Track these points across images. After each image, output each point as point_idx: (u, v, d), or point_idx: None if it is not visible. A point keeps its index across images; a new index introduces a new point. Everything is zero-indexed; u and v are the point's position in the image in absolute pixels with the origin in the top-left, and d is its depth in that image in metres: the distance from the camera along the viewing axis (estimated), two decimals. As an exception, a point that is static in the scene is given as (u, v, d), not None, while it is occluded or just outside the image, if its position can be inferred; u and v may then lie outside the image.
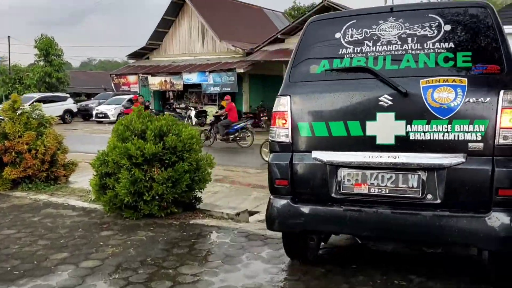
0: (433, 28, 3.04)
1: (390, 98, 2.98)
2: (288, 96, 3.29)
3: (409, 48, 3.05)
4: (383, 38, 3.13)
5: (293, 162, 3.25)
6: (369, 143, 3.04)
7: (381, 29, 3.16)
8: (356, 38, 3.20)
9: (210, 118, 22.09)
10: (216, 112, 19.34)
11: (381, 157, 3.01)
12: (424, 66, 2.99)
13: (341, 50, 3.22)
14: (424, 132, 2.91)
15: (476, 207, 2.85)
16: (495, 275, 3.18)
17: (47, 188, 7.00)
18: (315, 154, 3.19)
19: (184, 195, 5.34)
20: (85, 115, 29.23)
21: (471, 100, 2.83)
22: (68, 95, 28.42)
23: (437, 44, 3.00)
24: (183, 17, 25.04)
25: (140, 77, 23.94)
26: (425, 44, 3.03)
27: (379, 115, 3.01)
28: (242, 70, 20.78)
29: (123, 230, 4.85)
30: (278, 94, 3.36)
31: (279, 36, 21.19)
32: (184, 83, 22.65)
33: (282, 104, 3.30)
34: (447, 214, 2.87)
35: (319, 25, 3.39)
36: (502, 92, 2.78)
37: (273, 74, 22.87)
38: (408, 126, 2.94)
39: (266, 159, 6.50)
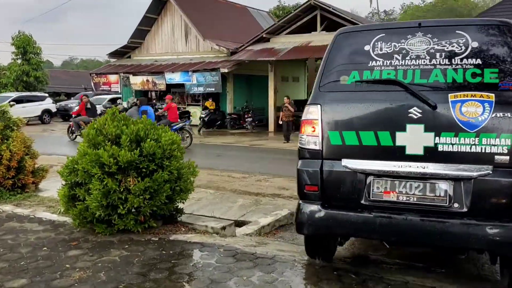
0: (461, 45, 3.16)
1: (420, 110, 3.11)
2: (319, 105, 3.39)
3: (438, 63, 3.18)
4: (411, 52, 3.26)
5: (323, 169, 3.37)
6: (398, 153, 3.18)
7: (409, 44, 3.29)
8: (386, 52, 3.34)
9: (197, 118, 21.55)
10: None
11: (410, 166, 3.16)
12: (452, 81, 3.13)
13: (370, 62, 3.35)
14: (452, 144, 3.06)
15: (501, 216, 2.98)
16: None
17: (13, 197, 6.37)
18: (345, 162, 3.33)
19: (163, 208, 4.80)
20: (64, 115, 28.27)
21: (498, 115, 2.97)
22: (46, 95, 27.48)
23: (464, 60, 3.13)
24: (166, 15, 24.36)
25: (121, 76, 23.19)
26: (453, 60, 3.16)
27: (408, 126, 3.14)
28: (226, 70, 20.23)
29: (94, 248, 4.28)
30: (308, 102, 3.47)
31: (264, 35, 20.70)
32: (166, 83, 21.98)
33: (312, 112, 3.41)
34: (473, 223, 3.00)
35: (348, 37, 3.51)
36: None
37: (258, 74, 22.41)
38: (437, 138, 3.08)
39: None
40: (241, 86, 22.69)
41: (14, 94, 25.49)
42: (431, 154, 3.09)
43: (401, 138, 3.16)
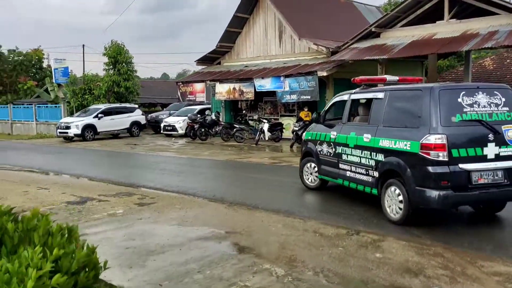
0: (498, 98, 6.36)
1: (493, 135, 6.15)
2: (445, 135, 5.99)
3: (494, 110, 6.29)
4: (480, 103, 6.25)
5: (449, 171, 5.98)
6: (484, 158, 6.12)
7: (478, 98, 6.26)
8: (470, 102, 6.21)
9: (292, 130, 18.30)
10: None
11: (487, 166, 6.13)
12: (501, 118, 6.29)
13: (463, 109, 6.16)
14: (505, 151, 6.23)
15: None
16: None
17: None
18: (461, 165, 6.02)
19: None
20: (155, 127, 26.84)
21: None
22: (136, 106, 26.19)
23: (501, 108, 6.34)
24: (258, 14, 21.50)
25: (207, 85, 20.75)
26: (497, 107, 6.31)
27: (489, 144, 6.14)
28: (324, 73, 16.60)
29: None
30: (436, 132, 6.02)
31: (373, 29, 16.73)
32: (256, 90, 19.00)
33: (441, 139, 5.98)
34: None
35: (446, 92, 6.24)
36: None
37: (365, 77, 18.42)
38: (500, 148, 6.20)
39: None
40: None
41: (103, 106, 24.44)
42: (497, 157, 6.17)
43: (485, 150, 6.13)
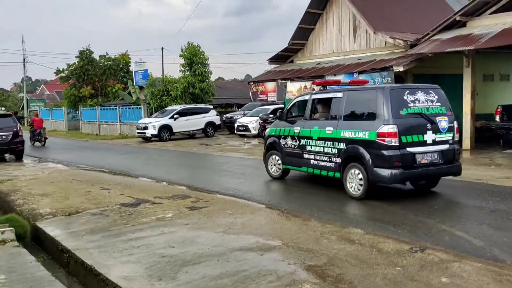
0: (433, 96, 7.92)
1: (430, 124, 7.69)
2: (396, 125, 7.44)
3: (431, 105, 7.83)
4: (420, 100, 7.77)
5: (400, 153, 7.48)
6: (424, 142, 7.66)
7: (418, 96, 7.77)
8: (412, 99, 7.70)
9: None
10: None
11: (428, 148, 7.72)
12: (435, 111, 7.84)
13: (408, 104, 7.64)
14: (439, 137, 7.85)
15: (452, 161, 8.11)
16: None
17: None
18: (408, 149, 7.53)
19: None
20: (230, 127, 26.90)
21: (450, 125, 7.96)
22: (211, 107, 26.43)
23: (435, 105, 7.90)
24: (331, 9, 20.62)
25: (279, 84, 20.26)
26: (432, 103, 7.87)
27: (427, 132, 7.68)
28: (401, 68, 15.37)
29: None
30: (388, 123, 7.47)
31: (457, 18, 15.13)
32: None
33: (393, 127, 7.42)
34: (446, 166, 8.00)
35: (395, 91, 7.77)
36: None
37: (447, 72, 16.69)
38: (436, 135, 7.77)
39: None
40: (424, 89, 17.32)
41: (179, 107, 24.94)
42: (434, 142, 7.78)
43: (425, 137, 7.71)
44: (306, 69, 20.52)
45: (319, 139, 8.72)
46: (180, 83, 27.20)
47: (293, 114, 10.14)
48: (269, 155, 10.39)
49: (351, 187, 8.09)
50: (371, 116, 7.78)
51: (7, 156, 16.55)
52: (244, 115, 26.18)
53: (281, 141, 9.86)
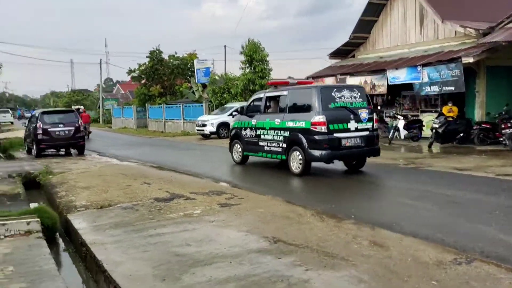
0: (356, 93, 9.92)
1: (352, 115, 9.63)
2: (325, 116, 9.35)
3: (354, 100, 9.81)
4: (345, 96, 9.73)
5: (328, 137, 9.39)
6: (348, 129, 9.58)
7: (344, 93, 9.75)
8: (339, 95, 9.64)
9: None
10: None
11: (351, 134, 9.64)
12: (358, 105, 9.85)
13: (335, 99, 9.63)
14: (361, 126, 9.78)
15: (370, 144, 10.19)
16: None
17: None
18: (335, 134, 9.43)
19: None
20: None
21: (370, 116, 10.02)
22: (269, 104, 25.99)
23: (358, 100, 9.89)
24: (395, -1, 19.37)
25: (338, 79, 19.38)
26: (355, 99, 9.87)
27: (351, 121, 9.62)
28: (471, 59, 13.97)
29: None
30: (319, 114, 9.43)
31: (537, 2, 13.53)
32: (388, 83, 17.06)
33: (322, 117, 9.32)
34: (366, 149, 10.01)
35: (324, 89, 9.83)
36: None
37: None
38: (358, 123, 9.72)
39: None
40: (499, 84, 15.67)
41: (238, 104, 24.76)
42: (356, 129, 9.64)
43: (348, 124, 9.55)
44: (367, 63, 19.46)
45: (270, 129, 10.78)
46: (240, 81, 27.08)
47: (252, 109, 11.90)
48: (233, 144, 12.40)
49: (294, 166, 10.12)
50: (307, 109, 9.84)
51: (72, 151, 17.23)
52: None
53: (242, 132, 11.89)
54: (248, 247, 5.11)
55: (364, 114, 9.83)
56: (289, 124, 10.13)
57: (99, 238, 5.76)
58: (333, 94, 9.65)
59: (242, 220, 6.31)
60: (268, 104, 11.28)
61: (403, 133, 17.06)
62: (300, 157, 9.83)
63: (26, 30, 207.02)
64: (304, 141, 9.67)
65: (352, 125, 9.66)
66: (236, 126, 12.33)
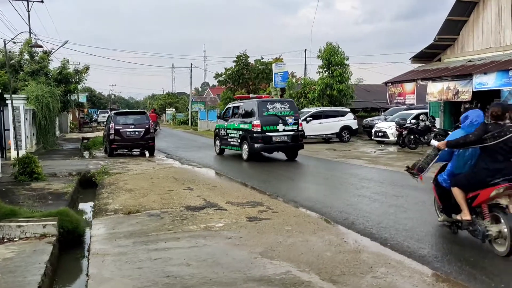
0: (286, 105, 14.81)
1: (281, 120, 14.42)
2: (260, 120, 14.18)
3: (283, 110, 14.57)
4: (277, 107, 14.57)
5: (262, 135, 14.19)
6: (277, 130, 14.31)
7: (275, 105, 14.66)
8: (272, 106, 14.54)
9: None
10: None
11: (279, 133, 14.36)
12: (286, 113, 14.55)
13: (269, 109, 14.45)
14: (288, 128, 14.43)
15: (297, 140, 14.90)
16: None
17: None
18: (267, 133, 14.19)
19: None
20: (370, 133, 24.92)
21: (296, 121, 14.79)
22: (348, 110, 24.76)
23: (286, 110, 14.59)
24: (489, -5, 17.32)
25: (418, 85, 17.78)
26: (285, 109, 14.62)
27: (279, 124, 14.35)
28: None
29: None
30: (256, 119, 14.25)
31: None
32: (474, 89, 15.21)
33: (258, 122, 14.19)
34: (291, 144, 14.66)
35: (261, 103, 14.62)
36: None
37: None
38: (285, 126, 14.41)
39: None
40: None
41: (313, 110, 23.95)
42: (284, 130, 14.33)
43: (278, 127, 14.27)
44: (454, 67, 17.60)
45: (233, 129, 15.52)
46: (317, 85, 26.18)
47: (227, 115, 16.81)
48: (215, 140, 17.57)
49: (244, 154, 14.76)
50: (251, 115, 14.57)
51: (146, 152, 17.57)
52: (385, 119, 23.96)
53: (219, 131, 16.96)
54: (250, 274, 4.45)
55: (290, 119, 14.37)
56: (242, 126, 14.92)
57: (105, 248, 5.44)
58: (267, 105, 14.40)
59: (262, 239, 5.64)
60: (234, 111, 16.18)
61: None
62: (247, 148, 14.53)
63: (134, 38, 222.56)
64: (249, 137, 14.36)
65: (281, 127, 14.22)
66: (217, 127, 17.48)
